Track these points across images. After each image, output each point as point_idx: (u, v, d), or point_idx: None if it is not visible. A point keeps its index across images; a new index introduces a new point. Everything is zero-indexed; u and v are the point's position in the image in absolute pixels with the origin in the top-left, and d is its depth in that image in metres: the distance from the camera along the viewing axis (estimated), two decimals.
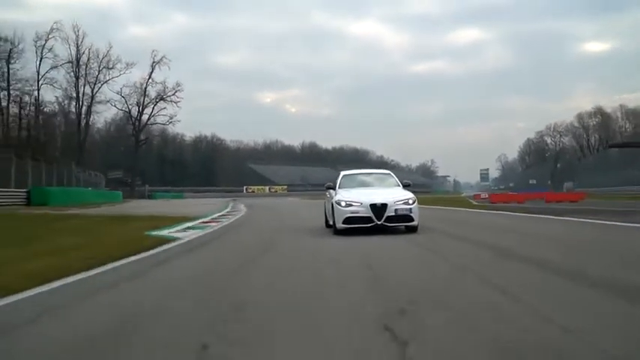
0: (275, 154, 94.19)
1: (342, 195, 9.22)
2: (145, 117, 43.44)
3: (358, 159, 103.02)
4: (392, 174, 11.15)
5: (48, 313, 3.14)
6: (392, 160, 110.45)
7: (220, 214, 15.71)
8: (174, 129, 54.45)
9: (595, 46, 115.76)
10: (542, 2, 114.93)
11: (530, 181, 62.51)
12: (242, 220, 13.50)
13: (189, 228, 9.96)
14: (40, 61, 33.51)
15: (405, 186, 10.16)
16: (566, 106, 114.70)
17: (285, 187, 68.73)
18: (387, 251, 6.09)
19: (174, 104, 39.87)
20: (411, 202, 9.02)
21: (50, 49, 34.32)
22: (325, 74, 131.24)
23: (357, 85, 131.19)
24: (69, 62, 37.35)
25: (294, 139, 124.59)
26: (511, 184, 77.73)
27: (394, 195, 9.20)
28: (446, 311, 2.85)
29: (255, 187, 66.32)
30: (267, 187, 67.31)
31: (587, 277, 3.73)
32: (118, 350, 2.35)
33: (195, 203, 27.81)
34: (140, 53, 67.95)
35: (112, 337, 2.55)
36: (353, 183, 10.23)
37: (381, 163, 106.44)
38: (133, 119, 42.68)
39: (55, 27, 33.16)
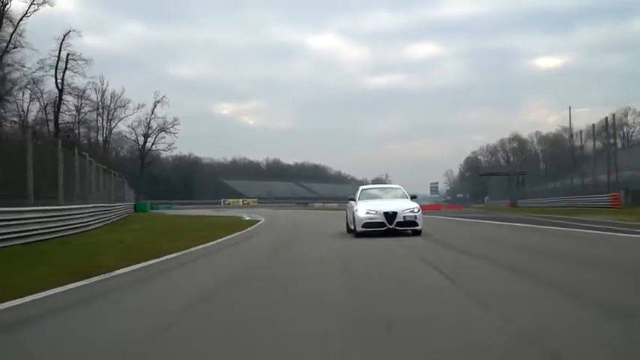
0: (242, 169, 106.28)
1: (361, 205, 12.06)
2: (148, 144, 55.47)
3: (318, 175, 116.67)
4: (401, 188, 13.96)
5: (207, 255, 9.71)
6: (348, 175, 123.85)
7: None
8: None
9: (547, 62, 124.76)
10: (496, 19, 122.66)
11: (458, 195, 77.25)
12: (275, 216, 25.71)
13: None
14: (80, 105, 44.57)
15: (412, 197, 12.95)
16: (520, 119, 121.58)
17: (256, 199, 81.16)
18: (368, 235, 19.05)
19: (173, 134, 52.07)
20: (416, 210, 11.71)
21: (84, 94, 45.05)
22: (284, 87, 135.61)
23: (316, 98, 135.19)
24: (95, 103, 49.04)
25: (254, 153, 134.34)
26: (458, 196, 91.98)
27: (403, 205, 11.91)
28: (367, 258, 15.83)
29: (231, 200, 78.53)
30: (240, 200, 79.60)
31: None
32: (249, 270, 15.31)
33: (214, 213, 40.14)
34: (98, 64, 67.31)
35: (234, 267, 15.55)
36: (369, 196, 13.10)
37: (338, 178, 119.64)
38: (140, 146, 54.83)
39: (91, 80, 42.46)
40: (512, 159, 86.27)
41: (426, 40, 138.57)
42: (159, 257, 8.15)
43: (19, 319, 3.93)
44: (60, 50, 32.37)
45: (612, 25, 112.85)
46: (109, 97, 46.47)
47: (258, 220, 21.36)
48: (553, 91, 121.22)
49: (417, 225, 11.60)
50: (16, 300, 4.55)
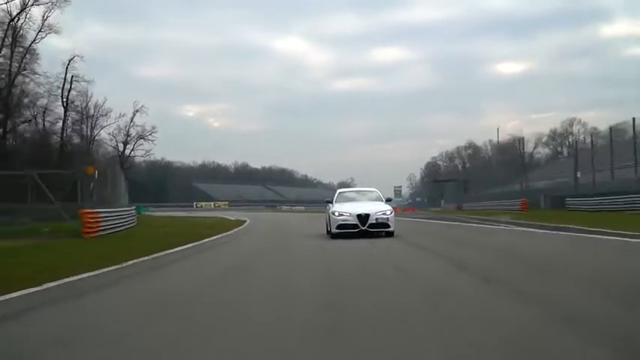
0: (211, 173, 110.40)
1: (336, 207, 12.89)
2: (127, 151, 59.67)
3: (285, 178, 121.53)
4: (377, 191, 14.51)
5: (237, 237, 21.23)
6: (315, 179, 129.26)
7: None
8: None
9: (510, 67, 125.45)
10: (460, 24, 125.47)
11: (417, 199, 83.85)
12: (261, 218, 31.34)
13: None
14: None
15: (387, 200, 13.69)
16: (483, 124, 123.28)
17: (227, 202, 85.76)
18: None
19: (151, 141, 56.53)
20: (388, 212, 12.46)
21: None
22: (250, 89, 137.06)
23: (282, 101, 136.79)
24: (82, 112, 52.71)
25: (221, 156, 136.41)
26: (418, 199, 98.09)
27: (376, 207, 12.66)
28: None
29: (203, 203, 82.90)
30: (212, 203, 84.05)
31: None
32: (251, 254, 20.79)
33: (198, 214, 44.93)
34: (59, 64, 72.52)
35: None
36: (345, 198, 13.80)
37: (305, 182, 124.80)
38: (119, 152, 59.10)
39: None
40: (467, 165, 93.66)
41: (392, 44, 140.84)
42: (207, 238, 13.48)
43: (156, 265, 9.23)
44: (66, 73, 36.70)
45: (574, 31, 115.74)
46: (92, 107, 50.05)
47: (245, 220, 26.54)
48: (515, 96, 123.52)
49: (389, 227, 12.40)
50: (143, 257, 9.77)
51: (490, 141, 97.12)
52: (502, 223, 18.29)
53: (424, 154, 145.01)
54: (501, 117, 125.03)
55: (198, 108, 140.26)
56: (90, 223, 12.75)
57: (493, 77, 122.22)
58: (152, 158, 72.96)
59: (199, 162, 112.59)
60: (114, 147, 58.53)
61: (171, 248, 10.81)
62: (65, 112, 36.87)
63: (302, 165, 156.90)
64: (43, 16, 33.01)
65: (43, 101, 34.62)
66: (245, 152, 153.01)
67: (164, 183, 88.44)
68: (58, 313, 4.73)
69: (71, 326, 4.08)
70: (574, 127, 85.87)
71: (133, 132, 53.87)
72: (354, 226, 12.28)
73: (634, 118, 26.62)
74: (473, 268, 6.83)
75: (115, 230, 14.82)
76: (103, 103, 44.97)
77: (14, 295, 5.35)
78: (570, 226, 14.32)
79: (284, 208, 76.14)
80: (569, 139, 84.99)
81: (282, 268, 7.83)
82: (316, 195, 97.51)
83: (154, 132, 54.02)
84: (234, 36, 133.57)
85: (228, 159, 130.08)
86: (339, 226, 12.42)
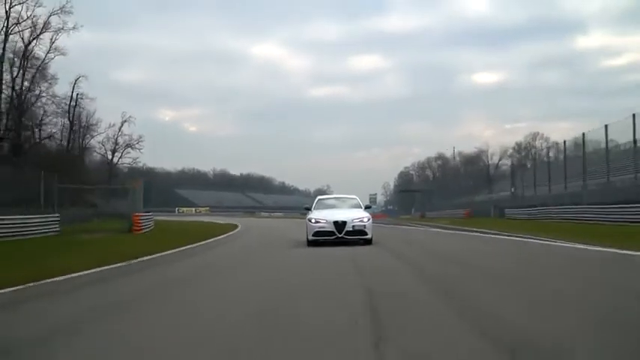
0: (191, 179, 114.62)
1: (314, 214, 13.07)
2: (115, 159, 64.09)
3: (264, 185, 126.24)
4: (357, 198, 14.81)
5: (243, 234, 26.62)
6: (292, 186, 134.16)
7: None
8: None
9: (485, 77, 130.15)
10: (437, 34, 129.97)
11: (389, 207, 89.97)
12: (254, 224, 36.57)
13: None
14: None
15: (367, 208, 13.94)
16: (459, 133, 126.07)
17: (208, 208, 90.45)
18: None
19: (138, 150, 61.10)
20: (365, 220, 12.66)
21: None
22: (227, 95, 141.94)
23: (259, 107, 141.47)
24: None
25: (199, 161, 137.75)
26: (390, 207, 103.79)
27: (353, 214, 12.82)
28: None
29: (185, 209, 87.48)
30: (193, 209, 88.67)
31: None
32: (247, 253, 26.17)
33: (189, 219, 49.70)
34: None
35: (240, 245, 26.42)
36: (324, 205, 14.01)
37: (282, 189, 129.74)
38: (108, 161, 63.62)
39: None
40: (437, 175, 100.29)
41: (369, 52, 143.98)
42: (219, 236, 18.72)
43: (198, 252, 14.54)
44: (72, 91, 41.53)
45: (548, 42, 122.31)
46: (85, 117, 53.71)
47: (237, 225, 31.66)
48: (491, 105, 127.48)
49: (366, 234, 12.52)
50: (184, 247, 15.07)
51: (460, 152, 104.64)
52: (437, 227, 24.04)
53: (400, 162, 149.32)
54: (477, 126, 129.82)
55: (174, 113, 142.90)
56: (138, 223, 17.95)
57: (469, 86, 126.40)
58: (138, 165, 77.13)
59: (179, 168, 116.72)
60: (102, 154, 62.86)
61: (198, 242, 15.95)
62: (71, 126, 41.51)
63: (279, 171, 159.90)
64: (52, 39, 37.67)
65: (52, 118, 39.30)
66: (223, 158, 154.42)
67: (147, 189, 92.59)
68: (165, 269, 9.54)
69: (177, 274, 9.23)
70: (537, 142, 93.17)
71: (120, 140, 58.22)
72: (331, 233, 12.43)
73: (584, 134, 28.43)
74: (389, 248, 12.23)
75: (148, 229, 19.95)
76: (93, 112, 48.87)
77: (141, 259, 10.48)
78: (480, 229, 20.01)
79: (263, 214, 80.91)
80: (532, 152, 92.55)
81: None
82: (293, 202, 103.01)
83: (141, 141, 58.41)
84: (211, 41, 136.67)
85: (206, 165, 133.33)
86: (316, 234, 12.59)
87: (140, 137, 59.33)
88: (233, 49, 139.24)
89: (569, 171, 29.68)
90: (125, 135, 57.90)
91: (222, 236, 19.24)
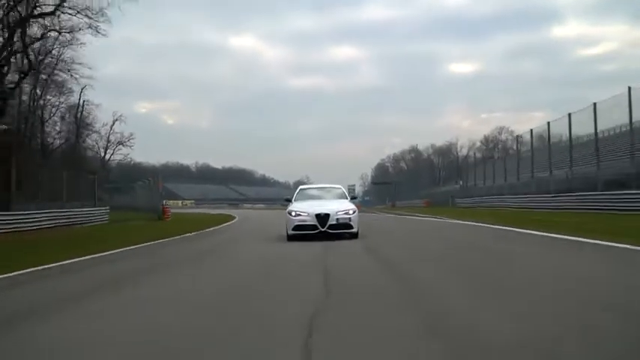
0: (174, 172, 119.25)
1: (294, 206, 12.34)
2: (107, 156, 68.98)
3: (245, 178, 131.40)
4: (342, 187, 14.28)
5: (244, 220, 32.76)
6: (272, 179, 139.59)
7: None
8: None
9: (462, 67, 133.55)
10: (412, 25, 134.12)
11: (366, 198, 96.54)
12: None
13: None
14: None
15: (353, 198, 13.62)
16: (438, 123, 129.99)
17: (193, 201, 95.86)
18: None
19: (129, 147, 66.20)
20: (351, 212, 11.92)
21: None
22: (206, 88, 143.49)
23: (238, 99, 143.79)
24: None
25: (179, 154, 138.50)
26: (366, 198, 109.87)
27: (338, 206, 12.09)
28: None
29: (171, 201, 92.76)
30: (180, 202, 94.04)
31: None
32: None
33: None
34: None
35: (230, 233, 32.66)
36: (306, 196, 13.37)
37: (264, 181, 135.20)
38: (101, 157, 68.81)
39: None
40: (409, 167, 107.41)
41: (346, 43, 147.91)
42: (225, 223, 24.87)
43: (213, 231, 20.75)
44: (79, 98, 47.05)
45: (524, 31, 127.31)
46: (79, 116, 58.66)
47: (233, 216, 37.61)
48: (468, 96, 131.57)
49: (351, 227, 11.79)
50: (207, 229, 21.27)
51: (432, 145, 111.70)
52: (396, 214, 30.56)
53: (380, 153, 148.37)
54: (455, 116, 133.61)
55: (151, 105, 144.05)
56: (166, 213, 24.06)
57: (447, 77, 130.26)
58: (126, 161, 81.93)
59: (162, 161, 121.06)
60: (95, 152, 67.95)
61: (211, 227, 21.83)
62: (77, 130, 47.01)
63: (258, 164, 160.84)
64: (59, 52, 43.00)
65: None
66: (204, 151, 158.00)
67: (133, 182, 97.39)
68: (201, 240, 15.80)
69: (206, 245, 15.59)
70: (502, 135, 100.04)
71: (112, 138, 63.41)
72: (313, 227, 11.72)
73: (532, 129, 30.89)
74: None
75: (170, 218, 26.10)
76: (89, 115, 53.68)
77: (183, 235, 16.46)
78: (424, 215, 26.49)
79: (246, 205, 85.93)
80: (499, 146, 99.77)
81: None
82: (274, 194, 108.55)
83: (132, 138, 63.66)
84: (188, 34, 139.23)
85: (186, 158, 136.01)
86: (296, 227, 11.90)
87: (131, 135, 64.44)
88: (211, 42, 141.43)
89: (527, 163, 31.50)
90: (117, 132, 62.86)
91: (229, 223, 25.29)
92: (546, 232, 11.02)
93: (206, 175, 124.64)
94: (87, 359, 3.09)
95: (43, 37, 26.39)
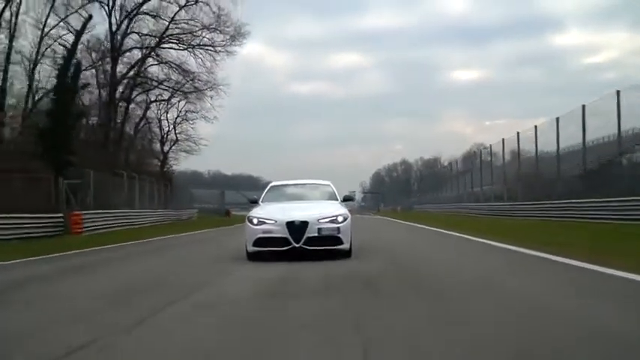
0: (189, 179, 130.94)
1: (257, 211, 8.61)
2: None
3: (252, 184, 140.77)
4: (331, 185, 10.18)
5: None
6: None
7: None
8: None
9: (465, 75, 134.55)
10: (416, 31, 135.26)
11: (362, 204, 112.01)
12: None
13: None
14: None
15: (346, 199, 9.71)
16: (440, 130, 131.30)
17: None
18: None
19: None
20: (340, 219, 8.22)
21: None
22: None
23: (242, 105, 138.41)
24: None
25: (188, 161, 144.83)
26: (362, 204, 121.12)
27: (321, 210, 8.42)
28: None
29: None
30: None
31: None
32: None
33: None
34: None
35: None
36: (280, 196, 9.55)
37: None
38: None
39: None
40: (400, 177, 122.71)
41: (350, 49, 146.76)
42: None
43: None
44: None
45: (527, 39, 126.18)
46: None
47: None
48: (471, 103, 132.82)
49: (340, 242, 8.25)
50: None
51: (421, 157, 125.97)
52: (372, 216, 46.89)
53: (382, 159, 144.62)
54: (459, 123, 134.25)
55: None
56: (230, 212, 41.02)
57: (450, 84, 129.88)
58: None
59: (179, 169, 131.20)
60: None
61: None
62: (162, 146, 63.01)
63: (262, 169, 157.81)
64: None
65: None
66: (212, 157, 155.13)
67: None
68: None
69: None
70: (482, 152, 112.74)
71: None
72: (282, 241, 8.14)
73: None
74: None
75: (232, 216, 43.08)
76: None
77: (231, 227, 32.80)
78: (386, 216, 42.71)
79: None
80: (475, 161, 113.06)
81: None
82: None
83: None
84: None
85: (198, 165, 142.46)
86: (257, 241, 8.30)
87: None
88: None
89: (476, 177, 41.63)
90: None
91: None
92: (435, 227, 21.72)
93: (219, 181, 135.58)
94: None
95: None
